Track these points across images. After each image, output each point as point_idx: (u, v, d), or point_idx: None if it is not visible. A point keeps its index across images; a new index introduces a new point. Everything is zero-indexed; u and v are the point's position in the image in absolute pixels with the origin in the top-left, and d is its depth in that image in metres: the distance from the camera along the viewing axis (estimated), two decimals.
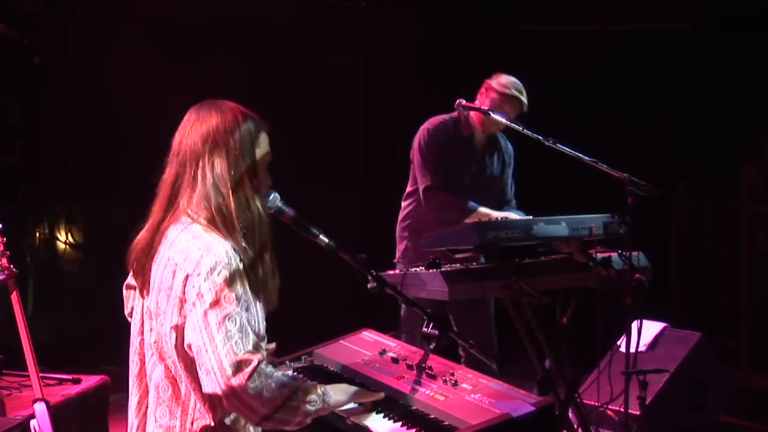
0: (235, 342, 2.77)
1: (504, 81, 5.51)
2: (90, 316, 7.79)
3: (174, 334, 2.86)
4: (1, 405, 4.53)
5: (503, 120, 5.20)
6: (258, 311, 2.91)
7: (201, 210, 2.91)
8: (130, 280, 3.22)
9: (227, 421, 2.91)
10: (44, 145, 8.12)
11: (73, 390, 4.89)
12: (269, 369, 2.82)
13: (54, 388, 4.86)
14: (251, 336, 2.81)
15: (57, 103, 8.06)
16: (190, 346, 2.82)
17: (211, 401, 2.87)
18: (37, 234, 8.37)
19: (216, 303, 2.78)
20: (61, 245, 8.46)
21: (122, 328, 3.24)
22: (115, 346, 3.59)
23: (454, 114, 5.61)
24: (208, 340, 2.76)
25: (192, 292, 2.80)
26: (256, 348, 2.82)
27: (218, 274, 2.80)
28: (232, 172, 2.93)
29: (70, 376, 5.04)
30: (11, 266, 4.56)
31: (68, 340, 7.82)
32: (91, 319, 7.69)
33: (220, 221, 2.90)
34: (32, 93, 8.04)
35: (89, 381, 5.07)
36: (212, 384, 2.78)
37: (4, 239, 4.61)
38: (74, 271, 8.51)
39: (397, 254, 5.68)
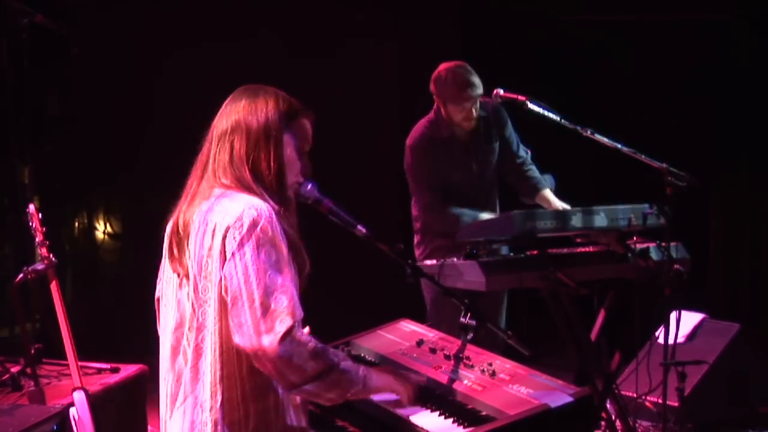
0: (274, 299, 2.72)
1: (445, 78, 5.32)
2: (128, 305, 7.82)
3: (215, 295, 2.80)
4: (40, 393, 4.56)
5: (540, 110, 5.02)
6: (292, 281, 2.84)
7: (227, 178, 2.91)
8: (161, 272, 3.21)
9: (256, 390, 2.84)
10: (83, 136, 8.16)
11: (111, 379, 4.91)
12: (304, 337, 2.77)
13: (93, 377, 4.88)
14: (287, 298, 2.75)
15: (95, 94, 8.10)
16: (226, 293, 2.76)
17: (240, 370, 2.81)
18: (76, 224, 8.43)
19: (258, 255, 2.74)
20: (99, 235, 8.52)
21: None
22: (153, 335, 3.60)
23: (431, 115, 5.46)
24: (246, 292, 2.72)
25: (233, 243, 2.76)
26: (293, 311, 2.76)
27: (260, 228, 2.77)
28: (252, 154, 2.92)
29: (108, 365, 5.06)
30: (51, 255, 4.59)
31: (107, 329, 7.87)
32: (129, 309, 7.73)
33: (246, 187, 2.89)
34: (71, 83, 8.08)
35: (128, 370, 5.08)
36: (243, 338, 2.73)
37: (44, 229, 4.64)
38: (113, 261, 8.57)
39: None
